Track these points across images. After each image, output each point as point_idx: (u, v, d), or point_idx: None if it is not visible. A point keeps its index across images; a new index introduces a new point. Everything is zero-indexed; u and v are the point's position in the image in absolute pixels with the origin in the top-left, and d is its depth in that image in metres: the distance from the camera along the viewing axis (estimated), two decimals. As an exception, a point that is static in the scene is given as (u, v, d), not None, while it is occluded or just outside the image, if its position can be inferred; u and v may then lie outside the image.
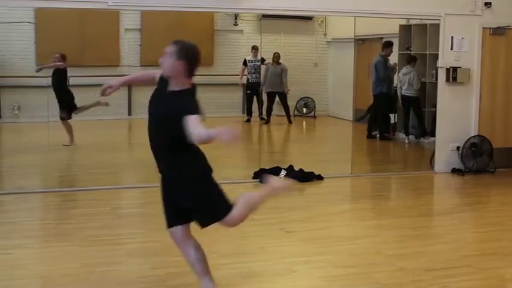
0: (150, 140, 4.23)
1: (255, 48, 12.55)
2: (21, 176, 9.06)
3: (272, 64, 13.21)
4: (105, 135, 11.67)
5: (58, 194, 8.08)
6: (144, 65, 12.21)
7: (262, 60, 12.74)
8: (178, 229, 4.25)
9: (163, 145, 4.13)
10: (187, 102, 3.99)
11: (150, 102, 4.19)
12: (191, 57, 4.07)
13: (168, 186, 4.25)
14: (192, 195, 4.15)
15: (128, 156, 11.02)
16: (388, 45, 11.98)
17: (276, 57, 13.21)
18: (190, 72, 4.09)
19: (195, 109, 3.93)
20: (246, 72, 12.86)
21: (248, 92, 12.72)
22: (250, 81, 12.84)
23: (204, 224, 4.21)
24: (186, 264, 4.50)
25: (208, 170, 4.24)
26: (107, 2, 8.11)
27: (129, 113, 12.10)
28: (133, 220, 7.09)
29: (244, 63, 12.84)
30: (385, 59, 11.95)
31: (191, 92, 4.11)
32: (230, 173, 8.58)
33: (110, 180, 8.91)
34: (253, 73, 12.84)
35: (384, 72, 11.85)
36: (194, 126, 3.77)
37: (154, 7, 8.55)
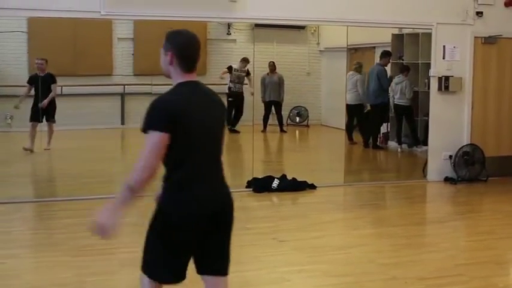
0: (199, 158, 3.28)
1: (245, 60, 12.53)
2: (13, 185, 9.03)
3: (268, 74, 13.25)
4: (98, 144, 11.65)
5: (51, 204, 8.05)
6: (137, 74, 12.24)
7: (248, 73, 12.69)
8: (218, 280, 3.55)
9: (219, 158, 3.45)
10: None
11: (196, 111, 3.27)
12: (180, 45, 3.31)
13: (220, 210, 3.40)
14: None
15: (121, 165, 10.99)
16: (387, 55, 12.04)
17: (271, 65, 13.24)
18: (186, 64, 3.31)
19: None
20: (228, 80, 12.83)
21: (230, 99, 12.63)
22: (232, 90, 12.81)
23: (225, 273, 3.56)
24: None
25: None
26: (99, 12, 8.12)
27: (122, 122, 12.10)
28: (126, 230, 7.01)
29: (229, 69, 12.80)
30: (385, 69, 12.03)
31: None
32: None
33: (103, 189, 8.87)
34: (237, 82, 12.83)
35: (387, 82, 11.93)
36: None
37: (147, 16, 8.55)
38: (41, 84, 10.30)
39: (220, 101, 3.49)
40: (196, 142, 3.25)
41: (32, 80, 10.47)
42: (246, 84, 12.87)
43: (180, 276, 3.40)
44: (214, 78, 12.97)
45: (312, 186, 9.05)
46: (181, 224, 3.25)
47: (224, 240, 3.45)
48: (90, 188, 8.77)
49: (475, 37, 9.70)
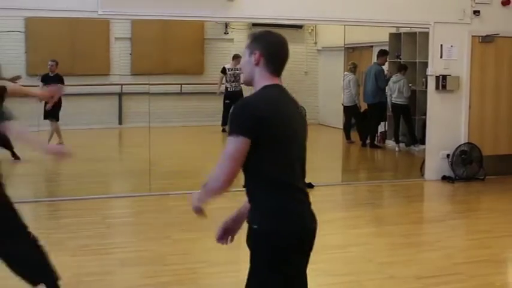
0: (293, 169, 3.10)
1: (236, 57, 12.50)
2: (11, 185, 9.00)
3: None
4: (96, 144, 11.64)
5: (48, 204, 8.05)
6: (134, 74, 12.22)
7: None
8: None
9: (304, 171, 3.24)
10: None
11: (287, 119, 3.05)
12: (271, 44, 3.08)
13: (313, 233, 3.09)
14: None
15: (118, 165, 10.99)
16: (384, 54, 12.06)
17: None
18: (275, 66, 3.07)
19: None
20: (224, 81, 12.76)
21: (226, 101, 12.48)
22: (229, 89, 12.69)
23: None
24: (178, 273, 4.50)
25: None
26: (97, 11, 8.12)
27: (120, 122, 12.08)
28: (124, 229, 7.07)
29: (223, 71, 12.74)
30: (383, 68, 12.05)
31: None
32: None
33: (101, 189, 8.89)
34: (233, 81, 12.76)
35: (385, 82, 11.95)
36: None
37: (144, 16, 8.55)
38: (51, 84, 10.39)
39: (302, 113, 3.26)
40: (286, 153, 3.01)
41: (45, 79, 10.54)
42: (243, 83, 12.83)
43: None
44: (212, 77, 12.98)
45: (310, 186, 9.02)
46: (289, 244, 2.95)
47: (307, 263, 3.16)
48: (88, 187, 8.78)
49: (473, 36, 9.71)
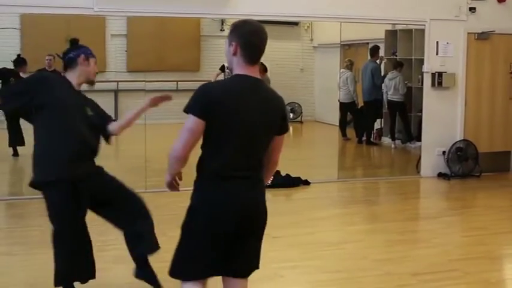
0: (231, 153, 3.26)
1: None
2: (6, 182, 9.01)
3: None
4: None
5: (43, 201, 8.02)
6: (130, 70, 12.21)
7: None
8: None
9: (256, 160, 3.39)
10: None
11: (237, 105, 3.24)
12: (246, 34, 3.22)
13: (246, 213, 3.37)
14: None
15: (114, 162, 10.97)
16: (377, 50, 12.07)
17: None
18: (249, 55, 3.21)
19: None
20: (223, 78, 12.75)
21: None
22: None
23: None
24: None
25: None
26: (93, 8, 8.11)
27: (116, 119, 12.05)
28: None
29: (222, 68, 12.72)
30: (379, 66, 12.06)
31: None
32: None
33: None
34: None
35: (381, 79, 11.96)
36: None
37: (140, 13, 8.54)
38: None
39: (279, 106, 3.34)
40: (231, 134, 3.17)
41: None
42: None
43: (211, 270, 3.36)
44: (208, 74, 12.97)
45: (306, 183, 9.05)
46: (204, 216, 3.24)
47: (249, 244, 3.37)
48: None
49: (468, 33, 9.72)
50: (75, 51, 4.56)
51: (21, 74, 10.05)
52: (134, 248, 4.58)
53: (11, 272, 5.37)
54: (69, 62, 4.49)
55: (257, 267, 3.49)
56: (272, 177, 8.58)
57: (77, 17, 9.28)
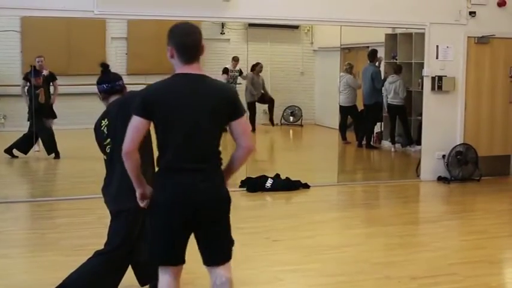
0: (177, 147, 3.51)
1: (234, 60, 12.50)
2: (6, 185, 9.00)
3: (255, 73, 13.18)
4: (91, 144, 11.61)
5: (43, 204, 8.03)
6: (130, 73, 12.19)
7: (240, 72, 12.67)
8: None
9: (206, 150, 3.64)
10: None
11: (175, 100, 3.50)
12: (177, 36, 3.47)
13: (201, 203, 3.61)
14: None
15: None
16: (375, 53, 12.08)
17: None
18: (182, 56, 3.45)
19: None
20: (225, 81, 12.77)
21: None
22: None
23: None
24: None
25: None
26: (93, 11, 8.11)
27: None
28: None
29: (226, 71, 12.73)
30: (379, 69, 12.07)
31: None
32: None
33: (95, 189, 8.83)
34: (231, 83, 12.77)
35: (381, 82, 11.97)
36: None
37: (140, 16, 8.55)
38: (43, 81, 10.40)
39: (224, 95, 3.51)
40: (174, 131, 3.41)
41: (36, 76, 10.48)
42: (240, 83, 12.84)
43: (173, 258, 3.57)
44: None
45: (306, 186, 9.05)
46: (161, 208, 3.46)
47: (214, 232, 3.55)
48: (83, 187, 8.74)
49: (468, 37, 9.71)
50: (121, 80, 4.74)
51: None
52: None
53: (11, 274, 5.36)
54: (119, 90, 4.67)
55: (229, 256, 3.62)
56: (272, 181, 8.71)
57: (77, 20, 9.30)
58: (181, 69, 3.45)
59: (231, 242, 3.62)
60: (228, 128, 3.51)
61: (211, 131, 3.47)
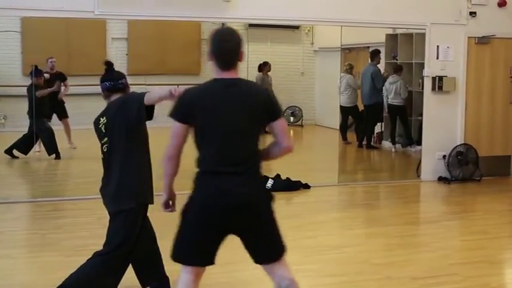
0: (215, 150, 3.54)
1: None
2: (7, 185, 9.01)
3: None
4: (92, 144, 11.61)
5: (44, 204, 8.03)
6: (131, 74, 12.15)
7: None
8: None
9: (245, 154, 3.67)
10: None
11: (213, 104, 3.54)
12: (215, 43, 3.53)
13: (236, 206, 3.62)
14: None
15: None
16: (377, 53, 12.08)
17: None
18: (219, 62, 3.51)
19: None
20: None
21: None
22: None
23: None
24: (174, 274, 4.47)
25: None
26: (93, 12, 8.11)
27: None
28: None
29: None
30: (379, 69, 12.07)
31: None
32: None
33: (96, 189, 8.84)
34: None
35: (381, 82, 11.97)
36: None
37: (141, 16, 8.55)
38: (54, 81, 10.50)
39: (260, 97, 3.55)
40: (212, 134, 3.45)
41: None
42: None
43: (196, 259, 3.56)
44: (208, 78, 12.95)
45: (306, 186, 9.05)
46: (195, 207, 3.47)
47: (257, 235, 3.57)
48: (84, 188, 8.74)
49: (469, 37, 9.72)
50: (124, 79, 4.71)
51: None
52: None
53: (12, 275, 5.36)
54: (121, 88, 4.63)
55: (282, 251, 3.63)
56: (272, 181, 8.71)
57: (78, 20, 9.31)
58: (218, 74, 3.50)
59: (279, 238, 3.64)
60: (267, 128, 3.57)
61: (250, 133, 3.51)
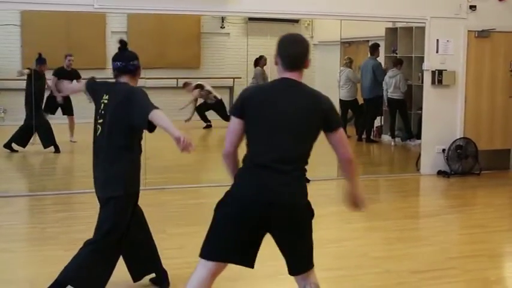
0: (261, 147, 3.55)
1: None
2: (6, 179, 9.01)
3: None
4: (90, 137, 11.62)
5: (43, 198, 8.04)
6: (130, 67, 12.17)
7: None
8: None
9: (290, 155, 3.66)
10: None
11: (268, 102, 3.57)
12: (280, 45, 3.59)
13: (269, 206, 3.59)
14: None
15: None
16: (377, 47, 12.08)
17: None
18: (284, 63, 3.57)
19: None
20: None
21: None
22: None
23: None
24: (173, 268, 4.49)
25: None
26: (93, 5, 8.10)
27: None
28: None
29: (199, 86, 12.69)
30: (380, 63, 12.07)
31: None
32: (218, 176, 8.57)
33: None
34: (205, 100, 12.68)
35: (382, 76, 11.97)
36: None
37: (140, 10, 8.53)
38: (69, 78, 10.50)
39: (317, 104, 3.55)
40: (261, 129, 3.46)
41: (60, 73, 10.47)
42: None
43: (218, 254, 3.51)
44: (208, 72, 12.97)
45: (306, 180, 9.02)
46: (231, 199, 3.47)
47: (290, 241, 3.59)
48: (83, 181, 8.72)
49: (469, 31, 9.71)
50: (136, 60, 4.52)
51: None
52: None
53: (12, 268, 5.37)
54: (132, 70, 4.48)
55: (308, 266, 3.66)
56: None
57: (77, 14, 9.29)
58: (281, 74, 3.55)
59: (310, 253, 3.65)
60: (327, 139, 3.66)
61: (302, 135, 3.53)
